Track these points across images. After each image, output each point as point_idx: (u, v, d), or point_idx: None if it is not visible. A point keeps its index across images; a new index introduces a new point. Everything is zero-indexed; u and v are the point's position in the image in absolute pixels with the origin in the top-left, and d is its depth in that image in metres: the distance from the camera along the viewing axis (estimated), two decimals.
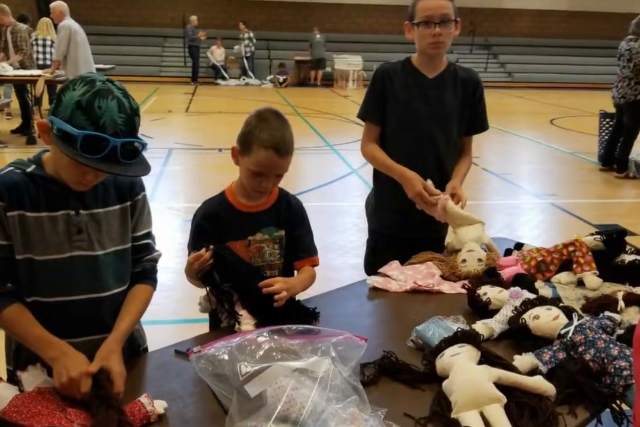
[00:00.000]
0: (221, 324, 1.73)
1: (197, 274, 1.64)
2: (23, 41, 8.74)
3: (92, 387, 1.29)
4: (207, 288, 1.67)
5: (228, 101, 13.62)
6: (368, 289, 1.99)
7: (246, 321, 1.59)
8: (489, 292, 1.77)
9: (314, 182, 6.49)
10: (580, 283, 1.96)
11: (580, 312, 1.65)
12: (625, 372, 1.35)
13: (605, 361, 1.39)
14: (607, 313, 1.60)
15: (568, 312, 1.57)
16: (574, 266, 1.98)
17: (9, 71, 8.14)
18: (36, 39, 9.14)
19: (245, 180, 1.78)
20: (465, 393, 1.25)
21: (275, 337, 1.32)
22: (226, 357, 1.27)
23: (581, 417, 1.29)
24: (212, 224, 1.79)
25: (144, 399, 1.27)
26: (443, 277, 2.05)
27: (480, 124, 2.40)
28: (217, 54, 17.46)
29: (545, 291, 1.86)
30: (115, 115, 1.27)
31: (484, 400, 1.23)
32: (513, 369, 1.37)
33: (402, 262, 2.15)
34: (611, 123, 7.49)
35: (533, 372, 1.41)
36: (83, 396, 1.28)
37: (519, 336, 1.57)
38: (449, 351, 1.39)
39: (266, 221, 1.82)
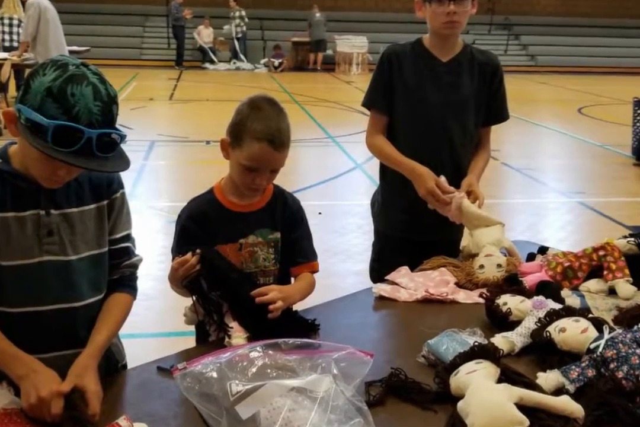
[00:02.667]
0: (209, 337, 1.73)
1: (182, 281, 1.64)
2: None
3: (64, 408, 1.29)
4: (194, 297, 1.68)
5: (217, 87, 13.63)
6: (374, 298, 1.99)
7: (237, 334, 1.59)
8: (510, 302, 1.77)
9: (313, 178, 6.49)
10: (611, 292, 1.96)
11: (611, 324, 1.65)
12: None
13: None
14: None
15: (598, 324, 1.57)
16: (605, 272, 1.98)
17: None
18: (1, 18, 9.15)
19: (236, 177, 1.78)
20: (483, 415, 1.25)
21: (270, 352, 1.32)
22: (215, 374, 1.27)
23: None
24: (199, 225, 1.79)
25: (122, 421, 1.27)
26: (458, 284, 2.05)
27: (499, 114, 2.40)
28: (204, 35, 17.46)
29: (572, 300, 1.86)
30: (91, 104, 1.27)
31: (504, 423, 1.24)
32: (536, 388, 1.37)
33: (412, 268, 2.15)
34: None
35: (559, 391, 1.41)
36: (54, 418, 1.28)
37: (543, 351, 1.57)
38: (464, 368, 1.39)
39: (260, 222, 1.82)
